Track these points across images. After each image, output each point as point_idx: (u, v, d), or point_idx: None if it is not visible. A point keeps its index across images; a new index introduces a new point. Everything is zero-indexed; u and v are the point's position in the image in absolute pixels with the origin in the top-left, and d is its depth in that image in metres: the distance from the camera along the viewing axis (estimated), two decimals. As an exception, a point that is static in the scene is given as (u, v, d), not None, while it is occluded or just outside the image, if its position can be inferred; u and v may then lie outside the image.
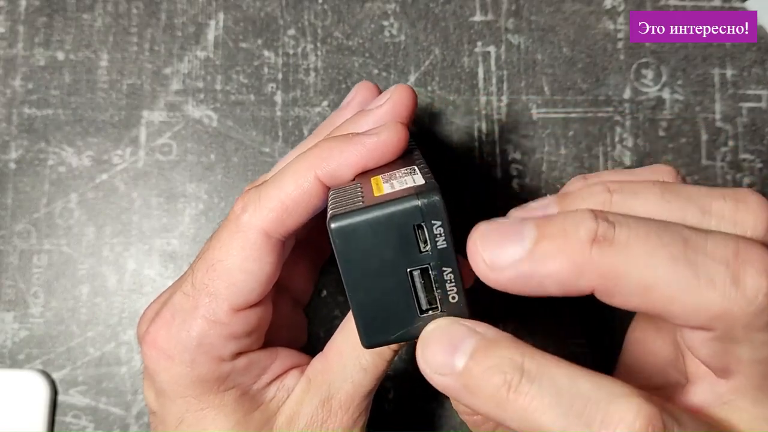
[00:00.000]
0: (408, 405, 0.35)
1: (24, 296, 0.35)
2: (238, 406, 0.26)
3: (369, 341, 0.22)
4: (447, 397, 0.35)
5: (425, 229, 0.20)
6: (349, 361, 0.26)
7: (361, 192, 0.22)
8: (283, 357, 0.27)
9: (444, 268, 0.21)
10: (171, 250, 0.36)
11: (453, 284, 0.21)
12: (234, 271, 0.24)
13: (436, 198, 0.20)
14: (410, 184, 0.21)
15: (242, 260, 0.24)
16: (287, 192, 0.24)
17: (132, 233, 0.36)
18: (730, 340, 0.19)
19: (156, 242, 0.36)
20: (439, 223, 0.20)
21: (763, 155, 0.36)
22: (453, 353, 0.20)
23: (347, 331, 0.27)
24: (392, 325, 0.21)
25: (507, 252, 0.19)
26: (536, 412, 0.19)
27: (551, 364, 0.19)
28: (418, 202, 0.20)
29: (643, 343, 0.26)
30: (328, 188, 0.24)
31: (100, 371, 0.35)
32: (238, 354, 0.26)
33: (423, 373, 0.21)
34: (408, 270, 0.21)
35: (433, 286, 0.21)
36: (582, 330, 0.35)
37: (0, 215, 0.36)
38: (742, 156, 0.36)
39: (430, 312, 0.21)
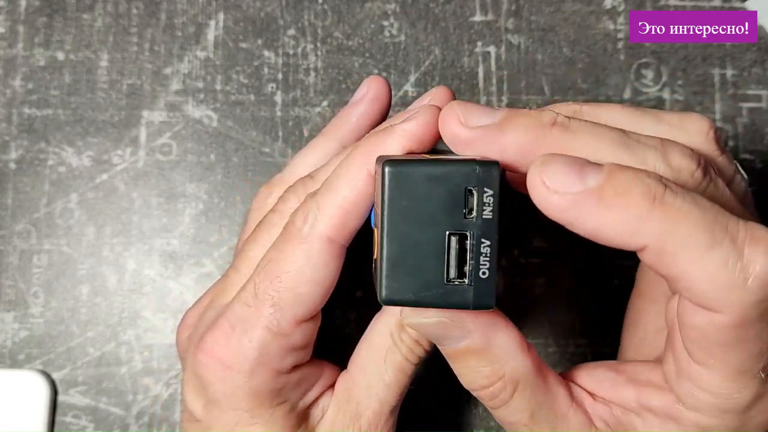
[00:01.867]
0: (407, 405, 0.35)
1: (24, 296, 0.35)
2: (286, 423, 0.25)
3: (387, 295, 0.21)
4: (453, 401, 0.35)
5: (475, 196, 0.20)
6: (374, 377, 0.26)
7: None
8: (327, 374, 0.27)
9: (483, 240, 0.21)
10: (171, 250, 0.36)
11: (488, 259, 0.21)
12: (301, 281, 0.24)
13: (495, 167, 0.20)
14: (466, 157, 0.22)
15: (309, 269, 0.24)
16: (344, 195, 0.24)
17: (132, 233, 0.36)
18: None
19: (156, 242, 0.36)
20: (491, 192, 0.20)
21: (763, 155, 0.36)
22: (583, 172, 0.20)
23: (367, 347, 0.27)
24: (415, 286, 0.21)
25: (480, 118, 0.22)
26: (683, 223, 0.19)
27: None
28: (477, 168, 0.20)
29: (639, 315, 0.27)
30: None
31: (100, 371, 0.35)
32: (294, 368, 0.26)
33: (533, 192, 0.20)
34: (448, 232, 0.21)
35: (468, 256, 0.21)
36: (582, 330, 0.35)
37: (0, 215, 0.36)
38: (742, 156, 0.36)
39: (457, 283, 0.21)
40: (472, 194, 0.21)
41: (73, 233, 0.36)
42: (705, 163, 0.21)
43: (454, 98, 0.27)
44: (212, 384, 0.25)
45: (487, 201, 0.20)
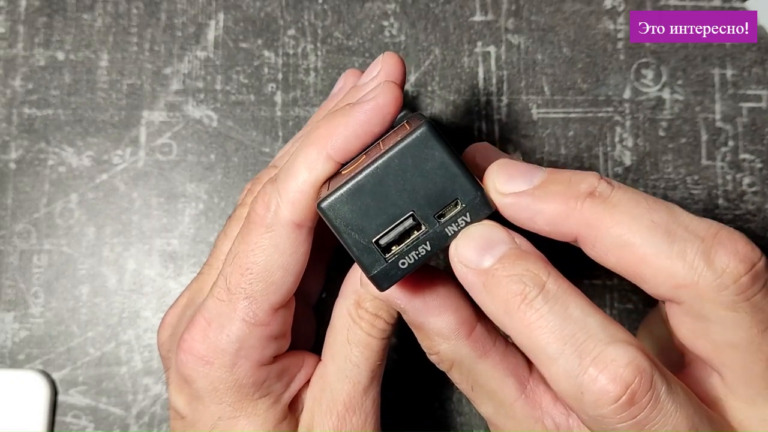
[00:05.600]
0: (404, 405, 0.35)
1: (24, 296, 0.35)
2: (269, 416, 0.26)
3: (327, 206, 0.22)
4: (447, 398, 0.35)
5: (455, 211, 0.21)
6: (341, 360, 0.26)
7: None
8: (309, 364, 0.27)
9: (427, 244, 0.21)
10: (171, 250, 0.36)
11: (416, 257, 0.21)
12: (272, 269, 0.24)
13: (488, 212, 0.21)
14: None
15: (278, 257, 0.24)
16: (304, 178, 0.24)
17: (132, 233, 0.36)
18: (699, 316, 0.20)
19: (156, 242, 0.36)
20: (468, 220, 0.21)
21: (763, 155, 0.36)
22: (484, 252, 0.21)
23: (331, 332, 0.27)
24: (351, 219, 0.22)
25: (515, 183, 0.22)
26: (538, 329, 0.20)
27: (571, 293, 0.20)
28: (478, 195, 0.21)
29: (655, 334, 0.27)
30: (341, 164, 0.24)
31: (100, 371, 0.35)
32: (275, 358, 0.26)
33: (450, 259, 0.22)
34: (412, 213, 0.21)
35: (406, 241, 0.22)
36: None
37: (0, 215, 0.36)
38: (742, 156, 0.36)
39: (379, 250, 0.21)
40: (455, 206, 0.21)
41: (73, 233, 0.36)
42: (759, 270, 0.20)
43: (403, 66, 0.26)
44: (195, 381, 0.25)
45: (459, 223, 0.21)
